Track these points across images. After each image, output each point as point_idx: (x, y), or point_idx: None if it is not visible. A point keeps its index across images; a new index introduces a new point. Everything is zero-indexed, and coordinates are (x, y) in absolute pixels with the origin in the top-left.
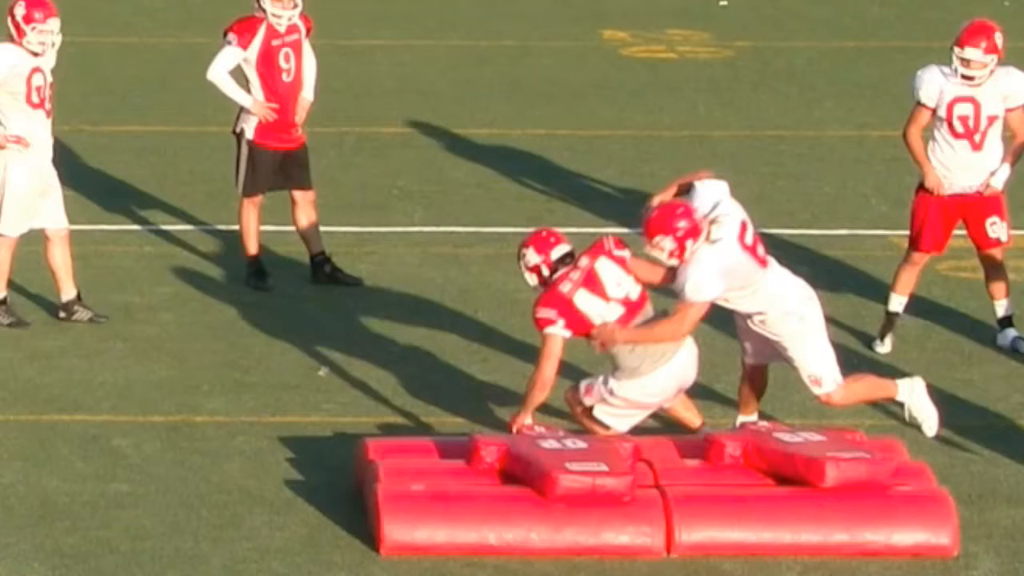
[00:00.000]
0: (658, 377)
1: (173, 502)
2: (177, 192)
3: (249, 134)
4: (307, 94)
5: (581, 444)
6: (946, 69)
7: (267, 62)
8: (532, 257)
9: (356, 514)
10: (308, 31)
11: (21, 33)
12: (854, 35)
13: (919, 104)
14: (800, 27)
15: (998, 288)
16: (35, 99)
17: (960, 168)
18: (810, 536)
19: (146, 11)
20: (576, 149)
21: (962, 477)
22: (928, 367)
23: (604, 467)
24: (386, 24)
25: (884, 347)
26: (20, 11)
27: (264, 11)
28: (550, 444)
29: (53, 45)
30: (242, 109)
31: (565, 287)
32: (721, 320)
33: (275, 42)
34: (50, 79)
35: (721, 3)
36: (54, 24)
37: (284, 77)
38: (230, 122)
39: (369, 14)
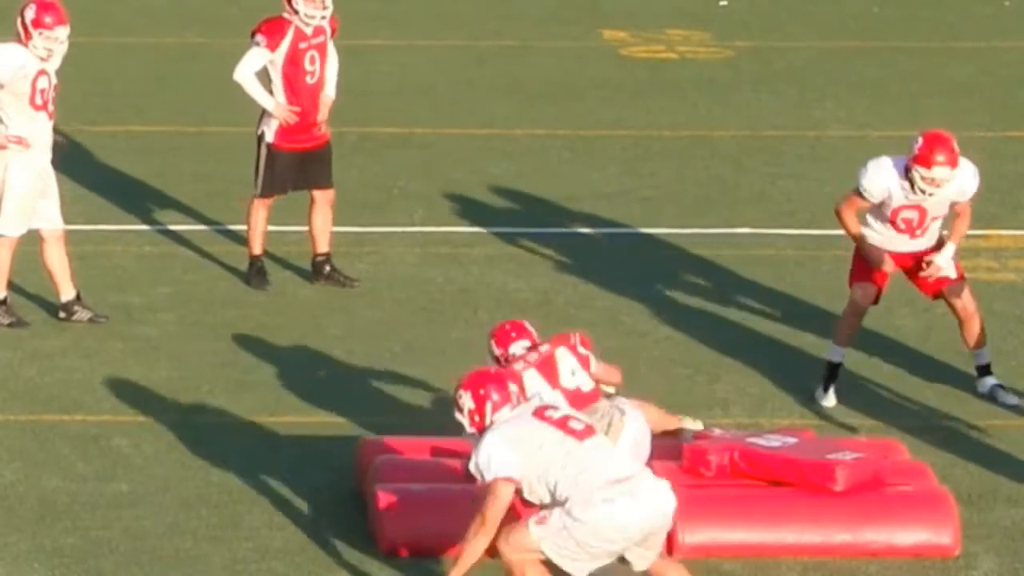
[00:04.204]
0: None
1: (173, 502)
2: (177, 192)
3: (269, 137)
4: (329, 91)
5: None
6: (899, 175)
7: (293, 64)
8: (494, 348)
9: (356, 514)
10: (334, 32)
11: (28, 36)
12: (854, 35)
13: (860, 193)
14: (800, 27)
15: (970, 335)
16: (38, 101)
17: (898, 247)
18: (812, 536)
19: (146, 11)
20: (576, 149)
21: (962, 477)
22: (928, 367)
23: None
24: (386, 24)
25: (830, 400)
26: (30, 14)
27: (296, 12)
28: None
29: (57, 53)
30: (264, 111)
31: (518, 366)
32: (720, 320)
33: (302, 44)
34: (55, 81)
35: (721, 3)
36: (62, 32)
37: (308, 79)
38: (230, 122)
39: (369, 14)
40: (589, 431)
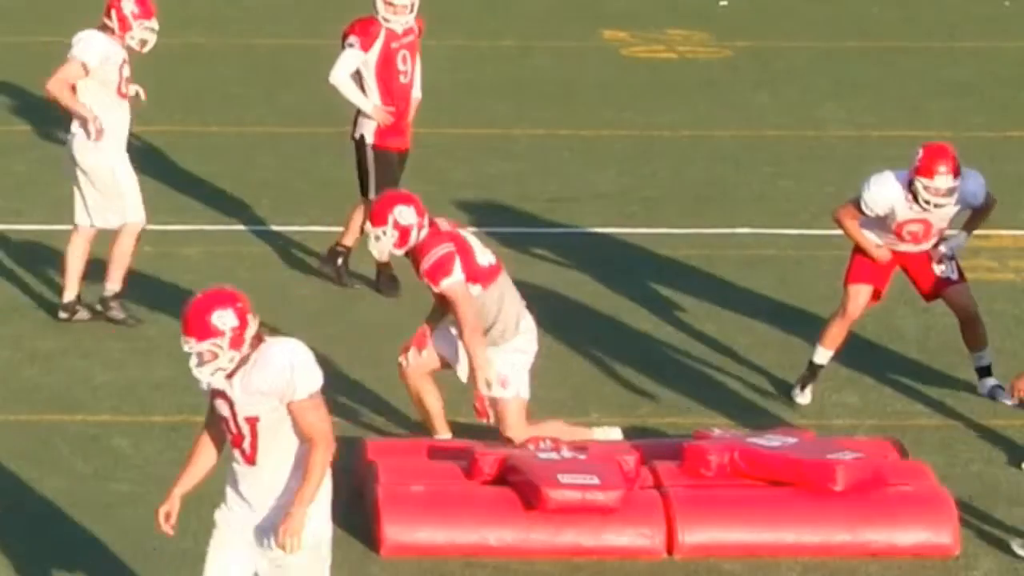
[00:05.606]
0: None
1: None
2: (177, 192)
3: (370, 139)
4: (416, 93)
5: (580, 455)
6: (903, 189)
7: (387, 65)
8: (409, 216)
9: (356, 514)
10: (421, 32)
11: (126, 27)
12: (854, 35)
13: (861, 206)
14: (800, 27)
15: (971, 337)
16: (123, 89)
17: (901, 249)
18: (812, 536)
19: None
20: (576, 149)
21: (962, 477)
22: (928, 367)
23: (596, 480)
24: None
25: (804, 398)
26: (129, 6)
27: (376, 13)
28: (547, 455)
29: (151, 42)
30: (359, 113)
31: (443, 225)
32: (720, 320)
33: (394, 44)
34: None
35: (721, 3)
36: (155, 23)
37: (401, 79)
38: (229, 123)
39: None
40: None
